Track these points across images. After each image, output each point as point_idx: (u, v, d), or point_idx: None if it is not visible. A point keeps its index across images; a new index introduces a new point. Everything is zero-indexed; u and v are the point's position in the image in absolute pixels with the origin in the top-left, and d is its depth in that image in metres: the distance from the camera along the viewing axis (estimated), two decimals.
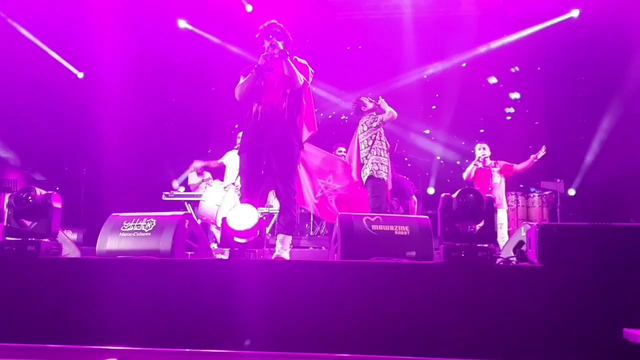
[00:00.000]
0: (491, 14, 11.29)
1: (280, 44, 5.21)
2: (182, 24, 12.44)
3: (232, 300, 3.87)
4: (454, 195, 4.12)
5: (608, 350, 3.50)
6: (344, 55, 12.58)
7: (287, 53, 5.18)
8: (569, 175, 10.15)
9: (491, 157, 8.66)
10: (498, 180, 8.41)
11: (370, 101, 7.40)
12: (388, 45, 12.55)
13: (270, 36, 5.27)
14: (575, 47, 11.30)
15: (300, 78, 5.20)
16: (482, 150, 8.63)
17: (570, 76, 11.60)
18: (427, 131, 12.37)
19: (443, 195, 4.19)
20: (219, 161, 8.73)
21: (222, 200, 7.64)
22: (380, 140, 7.16)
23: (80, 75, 12.19)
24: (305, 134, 5.57)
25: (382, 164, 7.04)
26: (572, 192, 10.13)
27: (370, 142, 7.11)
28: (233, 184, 7.82)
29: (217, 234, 7.80)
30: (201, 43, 12.54)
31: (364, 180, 7.13)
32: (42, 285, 4.07)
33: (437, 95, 12.54)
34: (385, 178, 7.08)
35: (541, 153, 8.37)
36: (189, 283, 4.01)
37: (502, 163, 8.60)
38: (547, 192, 9.24)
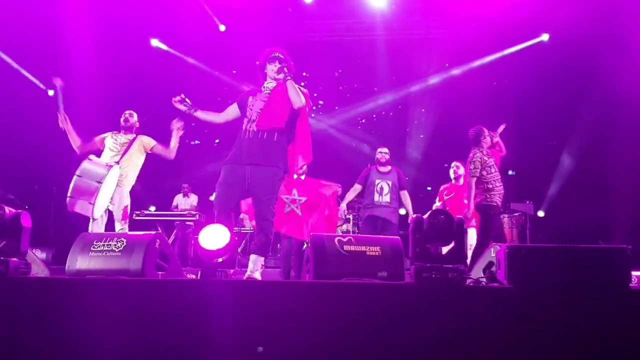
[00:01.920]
0: (462, 38, 11.42)
1: (285, 69, 5.29)
2: (155, 42, 12.45)
3: (203, 320, 3.86)
4: (425, 217, 4.18)
5: (567, 357, 3.57)
6: (317, 77, 12.64)
7: (291, 77, 5.25)
8: (538, 197, 10.28)
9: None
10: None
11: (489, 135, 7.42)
12: (362, 66, 12.68)
13: (277, 62, 5.36)
14: (545, 69, 11.45)
15: (303, 99, 5.22)
16: (453, 169, 8.63)
17: (539, 99, 11.79)
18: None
19: (414, 216, 4.25)
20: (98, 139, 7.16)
21: (105, 179, 6.20)
22: (488, 165, 7.17)
23: (51, 92, 12.11)
24: (300, 163, 5.56)
25: (491, 190, 7.07)
26: (541, 213, 10.26)
27: (477, 170, 7.14)
28: (117, 162, 6.64)
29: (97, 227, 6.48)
30: (173, 62, 12.51)
31: (479, 209, 7.14)
32: (11, 304, 4.01)
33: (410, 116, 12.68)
34: (495, 203, 7.07)
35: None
36: (160, 303, 3.99)
37: None
38: (516, 214, 9.34)
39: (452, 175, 8.66)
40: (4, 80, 10.80)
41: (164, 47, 12.55)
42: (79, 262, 4.40)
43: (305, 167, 8.03)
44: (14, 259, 4.24)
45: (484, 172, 7.17)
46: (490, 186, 7.11)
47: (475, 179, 7.18)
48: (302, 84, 5.41)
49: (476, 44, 11.48)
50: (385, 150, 8.37)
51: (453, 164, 8.71)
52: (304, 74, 12.39)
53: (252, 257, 5.24)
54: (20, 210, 4.41)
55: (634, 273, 4.60)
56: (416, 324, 3.79)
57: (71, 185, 6.15)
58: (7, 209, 4.35)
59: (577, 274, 3.88)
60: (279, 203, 7.14)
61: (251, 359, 3.70)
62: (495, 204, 7.08)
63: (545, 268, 3.93)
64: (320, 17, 12.11)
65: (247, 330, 3.81)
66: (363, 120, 13.11)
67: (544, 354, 3.66)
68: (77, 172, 6.18)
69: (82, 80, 10.27)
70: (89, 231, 6.38)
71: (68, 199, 6.18)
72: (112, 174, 6.40)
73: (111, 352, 3.74)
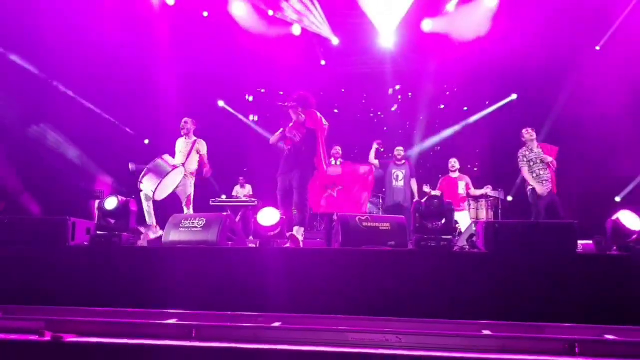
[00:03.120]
0: (453, 70, 11.22)
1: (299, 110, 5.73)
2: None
3: (262, 277, 3.92)
4: (423, 200, 4.20)
5: (534, 311, 3.55)
6: (341, 98, 12.61)
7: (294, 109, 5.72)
8: (508, 185, 10.13)
9: (460, 170, 8.50)
10: (462, 191, 8.26)
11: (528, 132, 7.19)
12: (374, 91, 12.64)
13: (286, 104, 5.78)
14: (516, 77, 11.13)
15: (299, 117, 5.69)
16: (451, 163, 8.45)
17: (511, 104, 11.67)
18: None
19: (414, 200, 4.28)
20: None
21: (168, 176, 6.22)
22: (527, 159, 7.03)
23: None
24: (325, 170, 5.99)
25: (535, 179, 6.92)
26: (509, 198, 10.11)
27: (522, 163, 7.08)
28: (183, 164, 6.62)
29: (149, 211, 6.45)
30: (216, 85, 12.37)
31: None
32: (124, 266, 4.13)
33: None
34: (534, 188, 6.88)
35: (488, 187, 8.30)
36: (229, 264, 4.07)
37: (466, 180, 8.41)
38: (491, 198, 9.21)
39: (450, 168, 8.46)
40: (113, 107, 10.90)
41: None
42: (172, 235, 4.48)
43: (339, 151, 8.05)
44: (125, 233, 4.36)
45: (530, 164, 7.02)
46: (534, 175, 6.97)
47: (524, 168, 7.07)
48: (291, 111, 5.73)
49: (464, 75, 11.19)
50: (401, 148, 8.34)
51: (450, 159, 8.54)
52: (335, 109, 12.39)
53: (295, 227, 5.51)
54: (129, 198, 4.53)
55: (580, 241, 4.55)
56: (416, 279, 3.81)
57: (142, 173, 6.21)
58: (120, 197, 4.46)
59: (535, 242, 3.87)
60: (320, 193, 7.25)
61: (297, 303, 3.74)
62: (531, 190, 6.94)
63: (512, 238, 3.93)
64: (344, 54, 12.10)
65: (294, 282, 3.86)
66: (383, 125, 12.99)
67: (511, 302, 3.64)
68: (149, 165, 6.22)
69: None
70: (145, 206, 6.44)
71: (139, 182, 6.24)
72: (176, 172, 6.39)
73: (195, 298, 3.82)
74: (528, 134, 7.10)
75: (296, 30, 11.35)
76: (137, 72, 10.52)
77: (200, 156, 6.96)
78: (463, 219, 7.96)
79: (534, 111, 10.38)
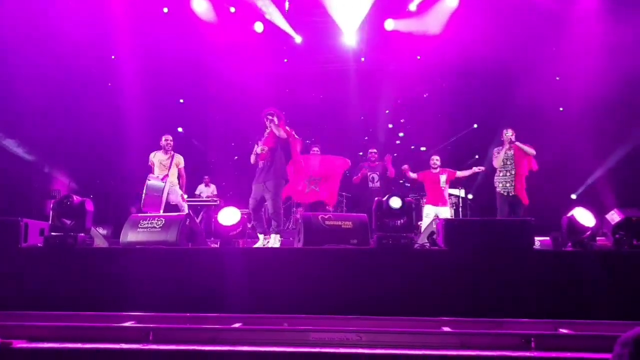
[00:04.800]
0: (408, 68, 11.33)
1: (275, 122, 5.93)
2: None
3: (222, 277, 3.86)
4: (384, 199, 4.21)
5: (493, 307, 3.62)
6: (305, 94, 12.57)
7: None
8: (469, 185, 10.30)
9: (441, 166, 8.41)
10: (444, 185, 8.20)
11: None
12: (340, 87, 12.66)
13: (269, 117, 5.99)
14: (476, 75, 11.30)
15: (283, 135, 5.89)
16: (433, 160, 8.35)
17: (470, 103, 11.83)
18: None
19: (376, 199, 4.28)
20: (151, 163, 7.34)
21: (164, 190, 6.79)
22: (497, 158, 7.02)
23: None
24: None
25: (497, 181, 6.93)
26: (470, 196, 10.27)
27: (495, 160, 7.06)
28: (166, 175, 6.99)
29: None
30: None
31: None
32: (79, 268, 4.01)
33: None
34: (499, 190, 6.84)
35: (481, 168, 8.25)
36: (189, 265, 4.00)
37: (447, 171, 8.33)
38: (452, 196, 9.34)
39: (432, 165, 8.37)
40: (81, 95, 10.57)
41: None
42: (130, 235, 4.39)
43: (318, 152, 8.05)
44: (81, 234, 4.23)
45: (501, 162, 7.03)
46: (501, 174, 6.97)
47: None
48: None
49: (419, 72, 11.32)
50: (374, 150, 8.34)
51: (433, 157, 8.42)
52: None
53: (272, 235, 5.60)
54: (84, 198, 4.39)
55: (538, 238, 4.67)
56: (377, 277, 3.82)
57: (143, 199, 6.70)
58: (75, 197, 4.33)
59: (494, 239, 3.94)
60: (302, 186, 7.26)
61: (258, 303, 3.71)
62: (496, 188, 6.94)
63: (471, 235, 4.00)
64: (307, 52, 12.07)
65: (255, 283, 3.83)
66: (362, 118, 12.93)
67: (471, 298, 3.70)
68: (145, 190, 6.71)
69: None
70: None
71: (142, 207, 6.70)
72: (167, 184, 6.85)
73: (152, 302, 3.74)
74: (506, 135, 7.13)
75: (259, 27, 11.26)
76: (96, 68, 10.27)
77: (179, 169, 7.26)
78: (444, 215, 7.90)
79: (491, 110, 10.59)
